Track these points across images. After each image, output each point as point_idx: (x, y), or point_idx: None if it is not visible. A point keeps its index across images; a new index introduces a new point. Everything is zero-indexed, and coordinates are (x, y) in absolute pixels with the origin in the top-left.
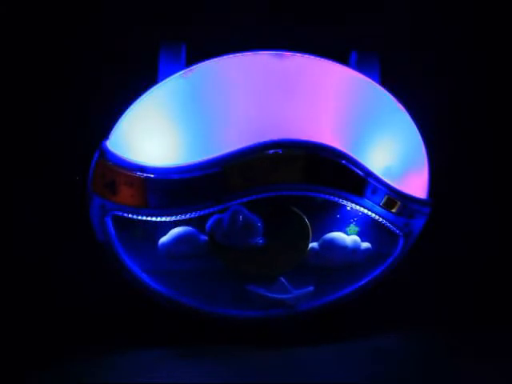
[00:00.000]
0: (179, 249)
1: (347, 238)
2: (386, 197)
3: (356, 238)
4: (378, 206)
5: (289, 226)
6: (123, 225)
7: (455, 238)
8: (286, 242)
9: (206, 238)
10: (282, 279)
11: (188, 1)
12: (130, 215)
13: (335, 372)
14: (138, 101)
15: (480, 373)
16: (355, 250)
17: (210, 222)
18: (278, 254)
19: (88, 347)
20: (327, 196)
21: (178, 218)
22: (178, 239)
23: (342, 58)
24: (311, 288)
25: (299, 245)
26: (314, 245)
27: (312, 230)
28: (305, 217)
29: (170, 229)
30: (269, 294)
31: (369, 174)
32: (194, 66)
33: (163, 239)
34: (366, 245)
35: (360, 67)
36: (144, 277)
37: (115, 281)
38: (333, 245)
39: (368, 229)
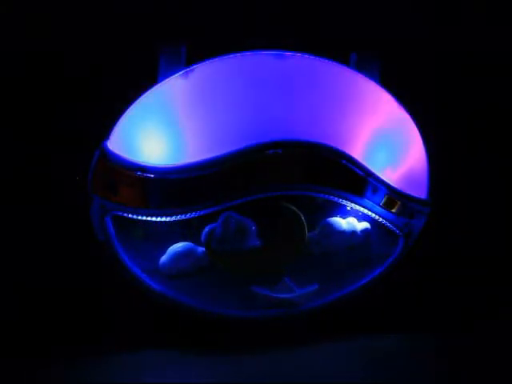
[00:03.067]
0: (180, 265)
1: (343, 221)
2: (386, 197)
3: (352, 219)
4: (378, 206)
5: (282, 222)
6: (123, 225)
7: (455, 238)
8: (282, 238)
9: (204, 249)
10: (286, 279)
11: (188, 1)
12: (130, 215)
13: (335, 372)
14: (138, 101)
15: (480, 373)
16: (353, 232)
17: (204, 233)
18: (277, 251)
19: (88, 347)
20: (327, 196)
21: (178, 218)
22: (177, 255)
23: (342, 57)
24: (315, 286)
25: (296, 237)
26: (312, 234)
27: (309, 226)
28: (295, 208)
29: (170, 229)
30: (273, 295)
31: (369, 173)
32: (194, 66)
33: (163, 259)
34: (363, 224)
35: (360, 67)
36: (144, 277)
37: (115, 281)
38: (331, 231)
39: None
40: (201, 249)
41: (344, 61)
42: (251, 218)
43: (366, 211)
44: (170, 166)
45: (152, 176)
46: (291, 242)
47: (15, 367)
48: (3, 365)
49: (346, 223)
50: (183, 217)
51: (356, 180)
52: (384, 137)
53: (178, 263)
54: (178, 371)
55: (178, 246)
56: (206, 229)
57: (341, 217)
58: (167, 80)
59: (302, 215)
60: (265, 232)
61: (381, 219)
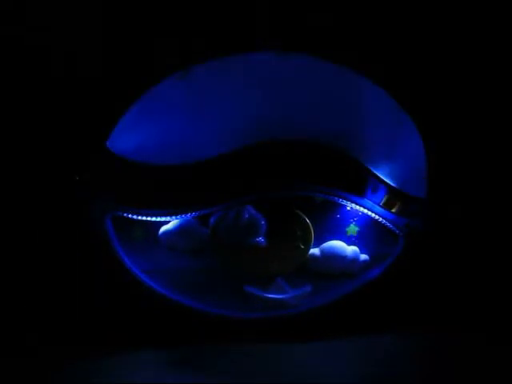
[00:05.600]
0: (179, 239)
1: (348, 248)
2: (386, 197)
3: (356, 248)
4: (377, 206)
5: (291, 229)
6: (123, 225)
7: (455, 239)
8: (286, 244)
9: (208, 231)
10: (279, 279)
11: (187, 1)
12: (130, 215)
13: (335, 372)
14: (138, 101)
15: (479, 372)
16: (354, 260)
17: (214, 217)
18: (278, 255)
19: (88, 347)
20: (327, 196)
21: (178, 217)
22: (180, 229)
23: (342, 58)
24: (308, 288)
25: (300, 248)
26: (314, 251)
27: (313, 230)
28: (308, 220)
29: None
30: (266, 295)
31: (369, 173)
32: (194, 67)
33: (164, 227)
34: (364, 256)
35: (359, 67)
36: (144, 277)
37: (115, 281)
38: (333, 253)
39: (368, 229)
40: (204, 230)
41: (344, 61)
42: (265, 217)
43: (365, 211)
44: (170, 165)
45: (151, 176)
46: (294, 250)
47: (15, 367)
48: (3, 365)
49: (349, 250)
50: (183, 217)
51: (356, 180)
52: (384, 136)
53: (178, 236)
54: (177, 371)
55: (183, 220)
56: (218, 214)
57: (346, 243)
58: (167, 80)
59: (311, 228)
60: (273, 234)
61: (381, 219)
